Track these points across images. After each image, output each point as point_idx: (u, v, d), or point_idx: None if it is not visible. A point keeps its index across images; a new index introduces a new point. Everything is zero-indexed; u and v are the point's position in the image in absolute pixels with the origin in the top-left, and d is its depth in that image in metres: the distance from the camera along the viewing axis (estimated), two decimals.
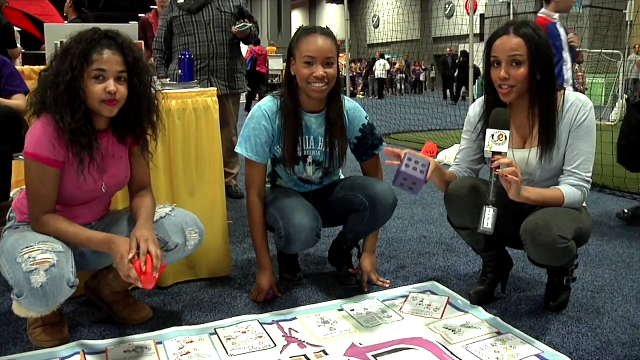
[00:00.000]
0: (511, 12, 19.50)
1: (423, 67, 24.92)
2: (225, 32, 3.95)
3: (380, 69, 20.92)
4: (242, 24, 3.87)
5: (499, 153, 1.96)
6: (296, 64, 2.27)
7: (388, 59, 23.73)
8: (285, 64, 2.41)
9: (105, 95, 1.85)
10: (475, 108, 2.32)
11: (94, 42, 1.86)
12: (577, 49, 11.02)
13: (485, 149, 1.98)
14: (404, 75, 24.44)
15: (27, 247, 1.80)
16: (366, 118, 2.48)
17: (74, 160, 1.90)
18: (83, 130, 1.87)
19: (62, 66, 1.84)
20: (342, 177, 2.65)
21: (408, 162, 1.99)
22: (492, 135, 1.97)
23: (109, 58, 1.87)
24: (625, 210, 3.61)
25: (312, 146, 2.41)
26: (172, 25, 3.98)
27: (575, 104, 2.14)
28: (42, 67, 3.91)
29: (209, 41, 3.91)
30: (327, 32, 2.29)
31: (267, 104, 2.38)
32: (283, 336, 2.08)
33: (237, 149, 2.38)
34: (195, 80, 2.98)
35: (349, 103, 2.46)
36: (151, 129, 2.07)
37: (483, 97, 2.28)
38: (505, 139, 1.96)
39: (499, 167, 1.94)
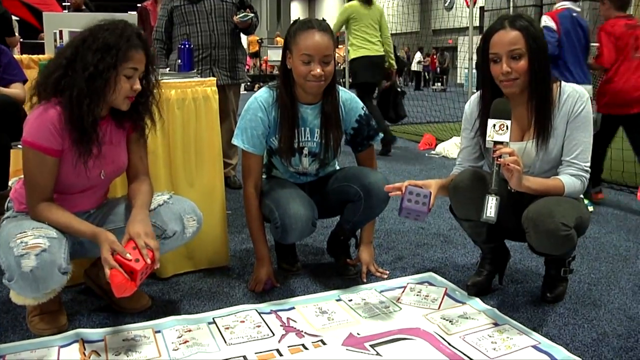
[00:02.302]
0: (511, 5, 19.43)
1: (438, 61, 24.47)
2: (226, 21, 3.93)
3: (416, 62, 21.88)
4: (244, 14, 3.85)
5: (501, 142, 1.96)
6: (293, 59, 2.27)
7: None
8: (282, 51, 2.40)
9: (131, 92, 1.92)
10: (472, 105, 2.31)
11: (130, 39, 1.88)
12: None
13: (487, 138, 1.98)
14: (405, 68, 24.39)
15: (20, 233, 1.81)
16: (362, 109, 2.48)
17: (73, 149, 1.90)
18: (96, 121, 1.90)
19: (99, 58, 1.84)
20: (337, 167, 2.65)
21: (409, 196, 2.07)
22: (494, 125, 1.97)
23: (141, 58, 1.92)
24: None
25: (307, 137, 2.41)
26: (173, 15, 3.97)
27: (572, 95, 2.14)
28: (40, 56, 3.91)
29: (211, 31, 3.90)
30: (324, 27, 2.27)
31: (262, 95, 2.38)
32: (281, 325, 2.09)
33: (234, 141, 2.38)
34: (195, 70, 2.98)
35: (345, 94, 2.46)
36: (148, 117, 2.09)
37: (478, 93, 2.28)
38: (507, 128, 1.96)
39: (500, 157, 1.95)
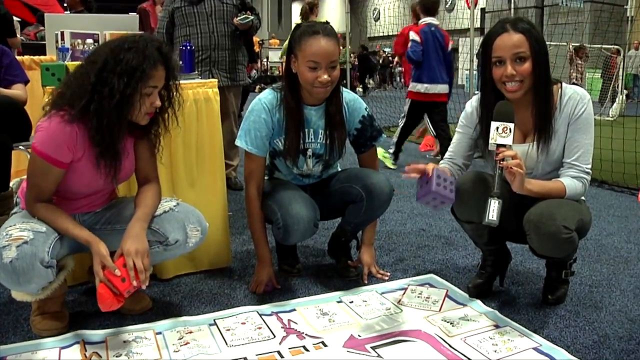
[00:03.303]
0: (512, 6, 19.45)
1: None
2: (226, 23, 3.93)
3: None
4: (244, 16, 3.85)
5: (503, 145, 1.96)
6: (299, 64, 2.26)
7: (388, 52, 23.73)
8: (284, 57, 2.40)
9: (150, 108, 1.93)
10: (473, 104, 2.31)
11: (152, 57, 1.87)
12: (579, 44, 11.05)
13: (490, 141, 1.98)
14: (402, 69, 24.42)
15: (10, 226, 1.83)
16: (366, 109, 2.49)
17: (91, 161, 1.92)
18: (121, 141, 1.92)
19: (125, 83, 1.83)
20: (339, 169, 2.65)
21: (438, 180, 1.96)
22: (497, 128, 1.97)
23: (161, 75, 1.92)
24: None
25: (312, 139, 2.41)
26: (174, 16, 3.98)
27: (573, 97, 2.14)
28: (41, 57, 3.91)
29: (211, 32, 3.90)
30: (329, 32, 2.26)
31: (267, 97, 2.38)
32: (282, 327, 2.09)
33: (237, 142, 2.38)
34: (196, 72, 2.98)
35: (348, 95, 2.46)
36: (163, 125, 2.09)
37: (479, 94, 2.27)
38: (510, 131, 1.96)
39: (503, 159, 1.95)
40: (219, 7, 3.92)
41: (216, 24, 3.92)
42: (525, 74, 2.05)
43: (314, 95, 2.30)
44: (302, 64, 2.24)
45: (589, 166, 2.14)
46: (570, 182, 2.10)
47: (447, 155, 2.38)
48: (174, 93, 2.05)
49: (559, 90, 2.16)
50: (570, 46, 10.92)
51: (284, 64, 2.54)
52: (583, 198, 2.21)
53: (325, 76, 2.22)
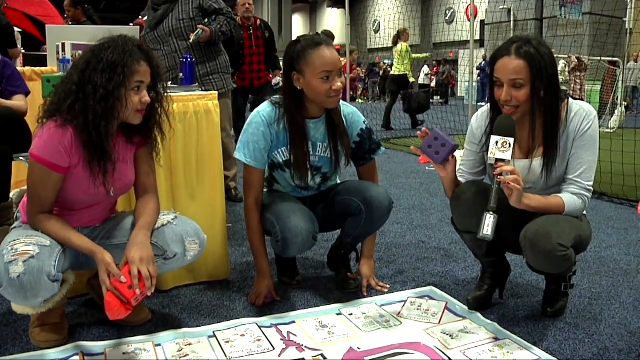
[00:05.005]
0: (511, 18, 19.57)
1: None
2: (187, 40, 3.92)
3: (422, 75, 22.18)
4: (196, 32, 3.82)
5: (502, 160, 1.97)
6: (306, 79, 2.26)
7: (387, 64, 23.85)
8: (283, 72, 2.40)
9: (140, 105, 1.93)
10: (478, 119, 2.32)
11: (133, 53, 1.89)
12: (577, 56, 11.09)
13: (489, 155, 1.99)
14: None
15: (14, 240, 1.83)
16: (364, 122, 2.50)
17: (87, 168, 1.92)
18: (110, 140, 1.92)
19: (107, 78, 1.84)
20: (339, 181, 2.66)
21: (440, 129, 2.04)
22: (496, 142, 1.98)
23: (145, 70, 1.93)
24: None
25: (311, 151, 2.42)
26: (146, 42, 4.02)
27: (579, 113, 2.14)
28: (43, 68, 3.93)
29: (174, 52, 3.89)
30: (329, 42, 2.30)
31: (265, 110, 2.38)
32: (281, 339, 2.09)
33: (236, 155, 2.39)
34: (197, 84, 2.98)
35: (347, 107, 2.47)
36: (158, 129, 2.09)
37: (485, 107, 2.28)
38: (509, 146, 1.96)
39: (501, 174, 1.95)
40: (176, 26, 3.91)
41: (177, 42, 3.91)
42: (521, 101, 2.05)
43: (328, 106, 2.32)
44: (313, 77, 2.25)
45: (591, 183, 2.13)
46: (570, 198, 2.10)
47: (457, 173, 2.38)
48: (163, 93, 2.06)
49: (565, 106, 2.16)
50: (573, 58, 10.97)
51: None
52: (584, 212, 2.21)
53: (339, 83, 2.26)
